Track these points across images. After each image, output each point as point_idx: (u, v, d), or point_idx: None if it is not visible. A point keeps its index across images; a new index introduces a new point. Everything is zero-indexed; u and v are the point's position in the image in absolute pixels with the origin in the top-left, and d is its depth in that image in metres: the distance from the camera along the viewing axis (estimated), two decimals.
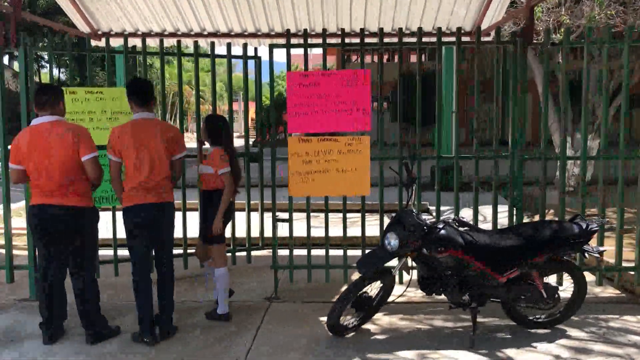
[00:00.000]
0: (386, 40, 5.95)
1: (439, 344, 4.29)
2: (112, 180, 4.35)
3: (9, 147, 5.27)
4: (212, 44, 6.08)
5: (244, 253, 6.43)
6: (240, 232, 6.44)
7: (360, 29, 5.54)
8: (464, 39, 6.63)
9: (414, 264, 4.46)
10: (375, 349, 4.23)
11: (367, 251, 4.67)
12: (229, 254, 5.74)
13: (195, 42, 5.98)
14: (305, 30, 5.49)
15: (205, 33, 7.68)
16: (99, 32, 7.53)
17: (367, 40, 5.85)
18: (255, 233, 6.63)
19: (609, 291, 5.46)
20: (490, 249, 4.23)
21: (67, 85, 5.39)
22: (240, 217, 6.18)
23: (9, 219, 5.39)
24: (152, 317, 4.36)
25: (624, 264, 5.40)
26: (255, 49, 6.49)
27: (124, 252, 4.84)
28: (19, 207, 8.65)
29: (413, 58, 26.78)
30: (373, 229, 6.34)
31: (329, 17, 7.34)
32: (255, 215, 6.63)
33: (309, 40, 5.49)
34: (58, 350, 4.24)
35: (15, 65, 32.40)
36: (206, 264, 5.12)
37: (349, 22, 7.42)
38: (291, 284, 5.66)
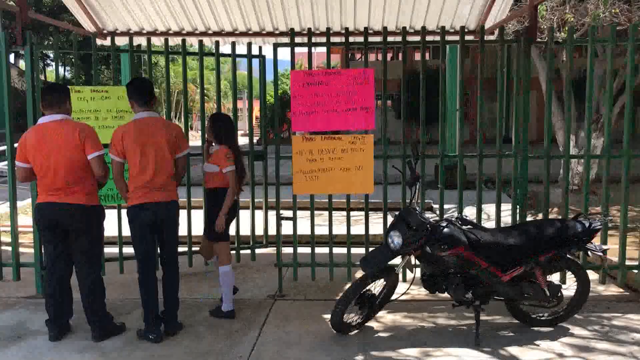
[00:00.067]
0: (390, 39, 5.96)
1: (442, 342, 4.31)
2: (116, 180, 4.35)
3: (16, 145, 5.34)
4: (217, 43, 6.12)
5: (249, 251, 6.46)
6: (245, 230, 6.48)
7: (365, 27, 5.56)
8: (468, 37, 6.64)
9: (418, 262, 4.48)
10: (378, 346, 4.25)
11: (370, 249, 4.70)
12: (233, 252, 5.77)
13: (200, 41, 6.01)
14: (309, 29, 5.51)
15: (210, 32, 7.70)
16: (104, 31, 7.56)
17: (371, 39, 5.87)
18: (259, 231, 6.66)
19: (613, 289, 5.46)
20: (494, 247, 4.25)
21: (72, 84, 5.42)
22: (244, 215, 6.21)
23: (15, 217, 5.43)
24: (158, 314, 4.40)
25: (628, 262, 5.41)
26: (260, 48, 6.52)
27: (129, 250, 4.87)
28: (24, 205, 8.71)
29: (417, 57, 26.79)
30: (377, 227, 6.36)
31: (333, 16, 7.35)
32: (259, 213, 6.66)
33: (313, 39, 5.50)
34: (64, 346, 4.28)
35: (21, 64, 32.54)
36: (210, 262, 5.14)
37: (353, 21, 7.44)
38: (295, 282, 5.68)
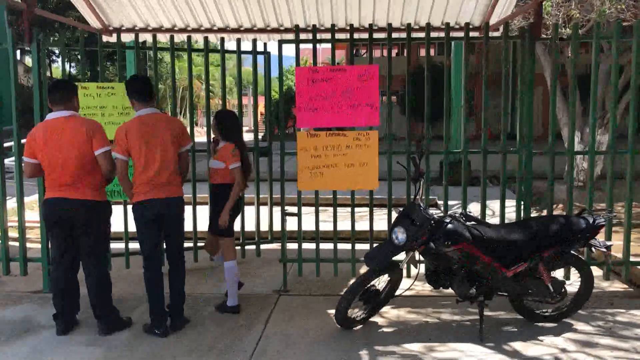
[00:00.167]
0: (395, 35, 5.97)
1: (446, 337, 4.33)
2: (120, 178, 4.37)
3: (23, 141, 5.38)
4: (222, 40, 6.14)
5: (254, 247, 6.49)
6: (250, 226, 6.51)
7: (369, 24, 5.56)
8: (473, 34, 6.63)
9: (422, 258, 4.49)
10: (383, 341, 4.28)
11: (375, 245, 4.72)
12: (238, 248, 5.80)
13: (206, 38, 6.03)
14: (314, 25, 5.52)
15: (215, 28, 7.72)
16: (110, 28, 7.59)
17: (375, 35, 5.89)
18: (264, 227, 6.69)
19: (617, 285, 5.47)
20: (498, 243, 4.26)
21: (77, 80, 5.45)
22: (249, 211, 6.24)
23: (22, 213, 5.47)
24: (164, 309, 4.43)
25: (632, 259, 5.41)
26: (265, 44, 6.54)
27: (135, 245, 4.91)
28: (31, 201, 8.77)
29: (423, 53, 26.75)
30: (381, 223, 6.38)
31: (337, 13, 7.36)
32: (264, 210, 6.69)
33: (318, 36, 5.51)
34: (71, 341, 4.32)
35: (27, 60, 32.66)
36: (215, 257, 5.18)
37: (357, 17, 7.44)
38: (300, 277, 5.71)
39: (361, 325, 4.54)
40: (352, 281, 4.50)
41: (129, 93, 4.44)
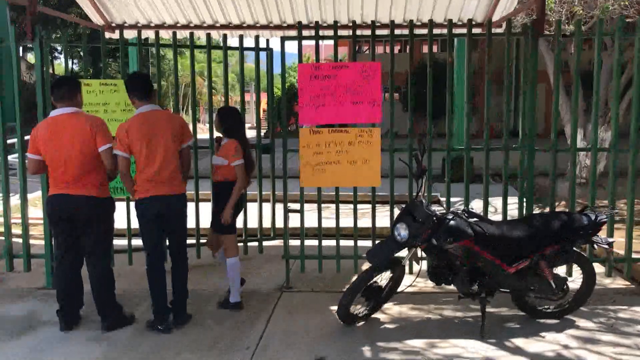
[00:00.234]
0: (397, 32, 5.96)
1: (448, 333, 4.34)
2: (122, 175, 4.37)
3: (26, 137, 5.39)
4: (225, 36, 6.14)
5: (256, 243, 6.51)
6: (252, 223, 6.52)
7: (372, 20, 5.57)
8: (475, 30, 6.63)
9: (424, 255, 4.50)
10: (385, 337, 4.29)
11: (377, 242, 4.72)
12: (240, 244, 5.82)
13: (208, 35, 6.03)
14: (316, 22, 5.52)
15: (218, 25, 7.72)
16: (113, 24, 7.60)
17: (378, 32, 5.87)
18: (267, 224, 6.70)
19: (619, 282, 5.47)
20: (500, 239, 4.27)
21: (80, 77, 5.46)
22: (252, 207, 6.25)
23: (25, 209, 5.49)
24: (166, 305, 4.45)
25: (634, 255, 5.41)
26: (267, 41, 6.54)
27: (138, 242, 4.92)
28: (34, 197, 8.79)
29: (426, 49, 26.72)
30: (383, 220, 6.38)
31: (340, 9, 7.36)
32: (267, 206, 6.70)
33: (321, 32, 5.51)
34: (74, 336, 4.35)
35: (29, 57, 32.68)
36: (217, 254, 5.19)
37: (360, 14, 7.44)
38: (302, 274, 5.72)
39: (363, 322, 4.55)
40: (354, 278, 4.50)
41: (128, 91, 4.45)
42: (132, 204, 4.85)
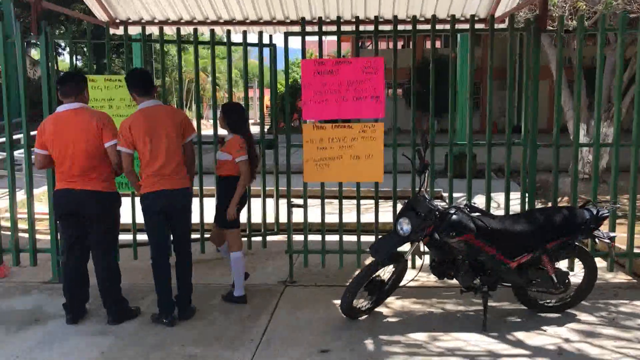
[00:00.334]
0: (400, 27, 5.99)
1: (450, 327, 4.38)
2: (126, 172, 4.39)
3: (32, 133, 5.43)
4: (228, 32, 6.17)
5: (260, 238, 6.54)
6: (256, 218, 6.55)
7: (375, 16, 5.58)
8: (478, 26, 6.64)
9: (426, 249, 4.53)
10: (388, 331, 4.33)
11: (380, 236, 4.76)
12: (244, 239, 5.85)
13: (212, 30, 6.06)
14: (320, 18, 5.54)
15: (221, 21, 7.75)
16: (117, 21, 7.64)
17: (381, 27, 5.89)
18: (270, 219, 6.73)
19: (620, 277, 5.50)
20: (502, 234, 4.30)
21: (84, 73, 5.50)
22: (255, 203, 6.29)
23: (31, 204, 5.54)
24: (171, 299, 4.49)
25: (636, 250, 5.43)
26: (270, 37, 6.56)
27: (143, 237, 4.97)
28: (39, 193, 8.84)
29: (429, 45, 26.68)
30: (386, 215, 6.40)
31: (343, 5, 7.38)
32: (270, 202, 6.74)
33: (324, 28, 5.53)
34: (80, 330, 4.40)
35: (33, 53, 32.74)
36: (221, 249, 5.23)
37: (363, 9, 7.46)
38: (306, 269, 5.76)
39: (366, 315, 4.59)
40: (357, 272, 4.54)
41: (129, 87, 4.48)
42: (137, 199, 4.90)
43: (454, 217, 4.22)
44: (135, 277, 5.51)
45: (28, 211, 5.54)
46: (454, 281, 4.55)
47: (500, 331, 4.27)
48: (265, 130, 6.48)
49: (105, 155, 4.32)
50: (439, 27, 5.76)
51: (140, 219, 4.79)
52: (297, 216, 5.69)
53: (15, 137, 5.72)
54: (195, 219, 4.99)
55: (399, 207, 4.73)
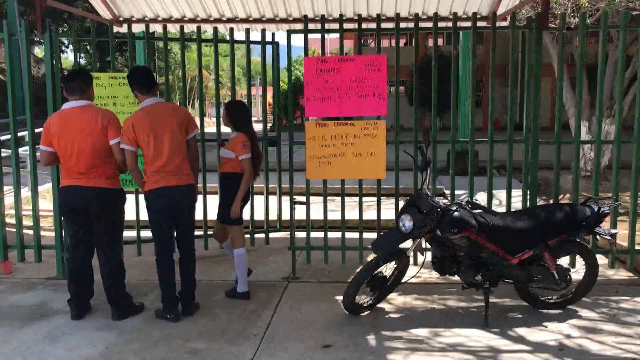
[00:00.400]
0: (402, 25, 6.00)
1: (452, 323, 4.40)
2: (130, 169, 4.42)
3: (36, 130, 5.48)
4: (231, 30, 6.20)
5: (263, 235, 6.58)
6: (259, 215, 6.59)
7: (377, 14, 5.60)
8: (480, 24, 6.66)
9: (428, 246, 4.56)
10: (390, 326, 4.36)
11: (382, 233, 4.78)
12: (247, 236, 5.89)
13: (215, 28, 6.09)
14: (322, 15, 5.56)
15: (224, 19, 7.78)
16: (121, 18, 7.67)
17: (383, 25, 5.91)
18: (273, 216, 6.77)
19: (622, 274, 5.52)
20: (503, 230, 4.32)
21: (89, 71, 5.53)
22: (258, 200, 6.32)
23: (36, 201, 5.58)
24: (175, 294, 4.53)
25: (638, 247, 5.45)
26: (273, 34, 6.58)
27: (147, 233, 5.00)
28: (43, 190, 8.88)
29: (431, 43, 26.67)
30: (388, 212, 6.44)
31: (346, 3, 7.40)
32: (273, 199, 6.77)
33: (326, 26, 5.56)
34: (85, 325, 4.43)
35: (36, 51, 32.76)
36: (224, 245, 5.27)
37: (365, 7, 7.48)
38: (308, 265, 5.79)
39: (369, 311, 4.62)
40: (359, 268, 4.57)
41: (131, 86, 4.51)
42: (141, 196, 4.93)
43: (456, 213, 4.24)
44: (140, 274, 5.55)
45: (33, 208, 5.58)
46: (456, 278, 4.58)
47: (502, 327, 4.30)
48: (268, 127, 6.49)
49: (110, 153, 4.35)
50: (441, 24, 5.78)
51: (144, 215, 4.83)
52: (300, 213, 5.72)
53: (20, 134, 5.75)
54: (198, 216, 5.02)
55: (401, 204, 4.76)
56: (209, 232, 6.04)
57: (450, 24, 5.58)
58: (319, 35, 5.58)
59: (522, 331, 4.23)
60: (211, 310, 4.69)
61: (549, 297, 4.67)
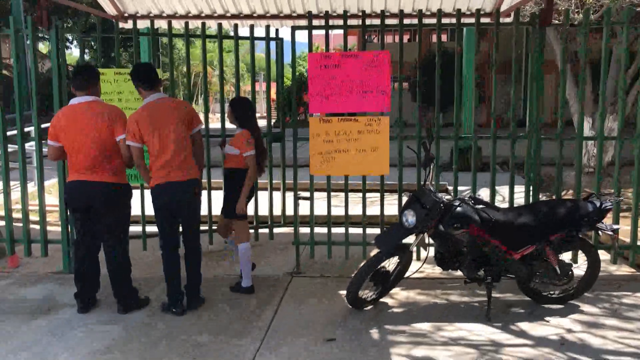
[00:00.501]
0: (406, 21, 6.02)
1: (454, 317, 4.44)
2: (137, 165, 4.45)
3: (43, 125, 5.52)
4: (236, 26, 6.22)
5: (267, 230, 6.61)
6: (263, 210, 6.62)
7: (381, 10, 5.62)
8: (484, 20, 6.66)
9: (431, 241, 4.59)
10: (393, 321, 4.40)
11: (385, 228, 4.81)
12: (252, 231, 5.92)
13: (219, 24, 6.11)
14: (326, 12, 5.58)
15: (229, 15, 7.79)
16: (125, 15, 7.69)
17: (387, 21, 5.93)
18: (277, 211, 6.80)
19: (624, 269, 5.54)
20: (506, 226, 4.35)
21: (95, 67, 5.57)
22: (263, 196, 6.35)
23: (42, 196, 5.63)
24: (180, 289, 4.57)
25: (639, 243, 5.47)
26: (277, 31, 6.61)
27: (152, 228, 5.04)
28: (49, 185, 8.93)
29: (434, 39, 26.63)
30: (392, 208, 6.47)
31: None
32: (277, 194, 6.80)
33: (330, 22, 5.57)
34: (91, 318, 4.49)
35: (40, 47, 32.80)
36: (228, 240, 5.30)
37: (369, 3, 7.48)
38: (312, 260, 5.83)
39: (372, 306, 4.65)
40: (363, 263, 4.60)
41: (134, 82, 4.53)
42: (147, 191, 4.97)
43: (459, 209, 4.27)
44: (145, 268, 5.60)
45: (39, 202, 5.63)
46: (459, 272, 4.61)
47: (504, 321, 4.34)
48: (272, 123, 6.52)
49: (117, 148, 4.39)
50: (444, 21, 5.80)
51: (149, 210, 4.87)
52: (304, 209, 5.75)
53: (27, 129, 5.79)
54: (203, 211, 5.06)
55: (404, 199, 4.78)
56: (214, 227, 6.07)
57: (454, 20, 5.59)
58: (322, 32, 5.60)
59: (524, 326, 4.27)
60: (216, 305, 4.73)
61: (551, 292, 4.70)
